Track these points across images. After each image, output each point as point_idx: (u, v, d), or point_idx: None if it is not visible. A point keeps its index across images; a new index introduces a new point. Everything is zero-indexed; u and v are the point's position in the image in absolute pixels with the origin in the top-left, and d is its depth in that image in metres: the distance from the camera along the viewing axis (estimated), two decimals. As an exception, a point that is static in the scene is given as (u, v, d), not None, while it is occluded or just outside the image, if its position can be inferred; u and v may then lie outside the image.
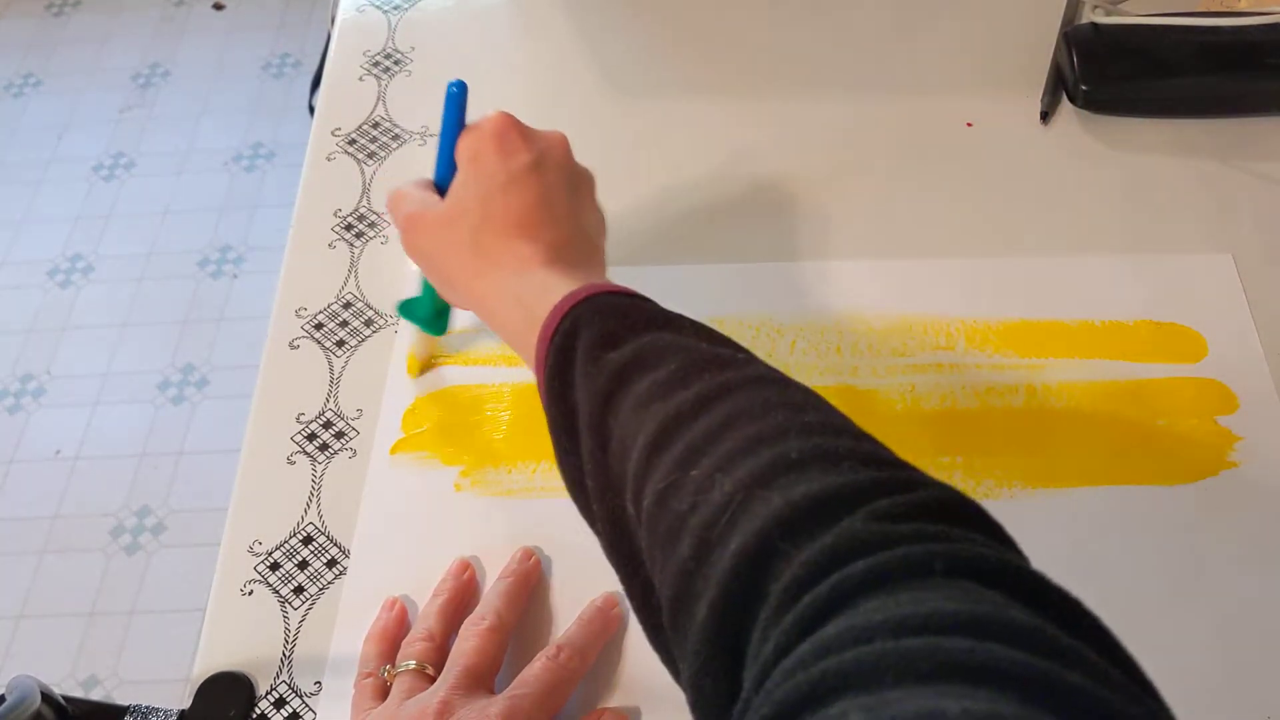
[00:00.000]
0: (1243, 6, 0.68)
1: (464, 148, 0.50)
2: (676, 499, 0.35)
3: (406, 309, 0.57)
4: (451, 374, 0.59)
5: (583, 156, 0.52)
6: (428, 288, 0.56)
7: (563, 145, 0.51)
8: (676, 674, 0.36)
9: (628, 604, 0.50)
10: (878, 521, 0.30)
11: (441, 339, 0.59)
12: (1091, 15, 0.68)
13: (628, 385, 0.39)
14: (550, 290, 0.44)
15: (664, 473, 0.36)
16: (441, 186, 0.52)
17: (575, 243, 0.49)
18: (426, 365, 0.59)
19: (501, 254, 0.48)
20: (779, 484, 0.32)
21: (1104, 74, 0.66)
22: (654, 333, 0.41)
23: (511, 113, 0.50)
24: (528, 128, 0.50)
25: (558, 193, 0.49)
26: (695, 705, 0.31)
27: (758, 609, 0.30)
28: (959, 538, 0.30)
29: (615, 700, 0.48)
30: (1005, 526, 0.33)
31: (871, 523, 0.30)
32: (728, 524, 0.32)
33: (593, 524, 0.41)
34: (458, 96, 0.51)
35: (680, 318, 0.43)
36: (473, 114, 0.51)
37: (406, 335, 0.59)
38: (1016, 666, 0.24)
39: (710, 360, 0.39)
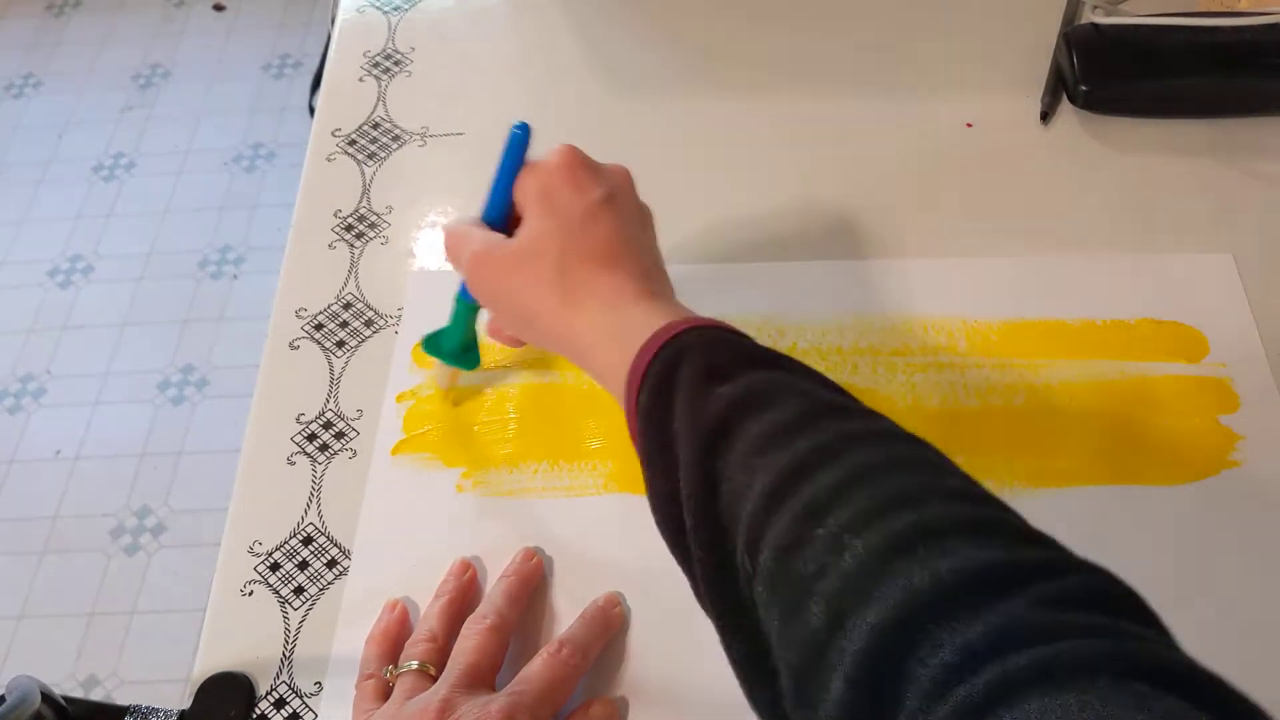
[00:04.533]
0: (1243, 6, 0.68)
1: (529, 185, 0.48)
2: (800, 559, 0.33)
3: (433, 344, 0.55)
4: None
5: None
6: (458, 320, 0.54)
7: (627, 178, 0.50)
8: None
9: (629, 602, 0.50)
10: (1043, 608, 0.28)
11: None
12: (1091, 15, 0.68)
13: (740, 424, 0.37)
14: (647, 322, 0.43)
15: (785, 528, 0.34)
16: (492, 225, 0.50)
17: (656, 274, 0.48)
18: (455, 396, 0.57)
19: (590, 288, 0.46)
20: (920, 554, 0.30)
21: (1104, 74, 0.66)
22: (764, 370, 0.40)
23: (575, 147, 0.49)
24: (593, 161, 0.49)
25: (632, 225, 0.48)
26: None
27: (902, 690, 0.28)
28: (1130, 633, 0.28)
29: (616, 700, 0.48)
30: None
31: (1036, 609, 0.28)
32: (861, 594, 0.30)
33: (686, 564, 0.39)
34: (521, 139, 0.49)
35: (786, 357, 0.41)
36: (531, 142, 0.50)
37: (433, 369, 0.57)
38: None
39: (830, 407, 0.38)
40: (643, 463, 0.41)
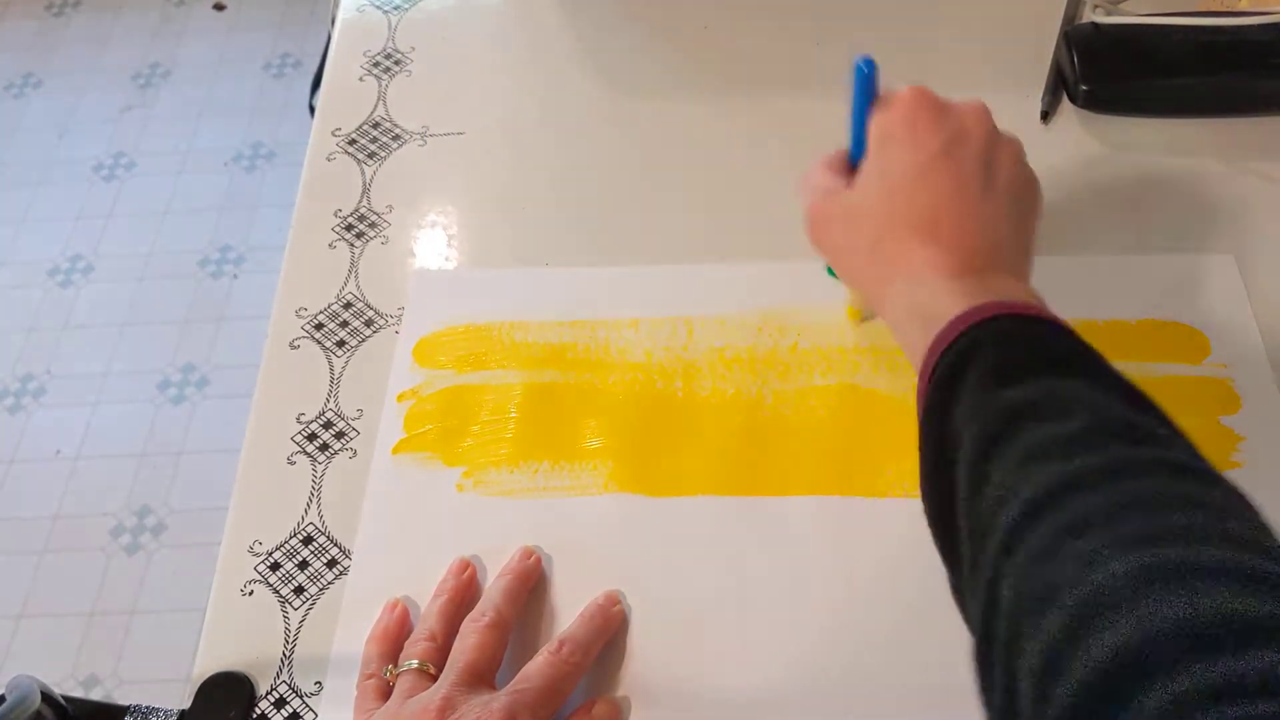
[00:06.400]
0: (1243, 6, 0.68)
1: (877, 126, 0.47)
2: (1053, 566, 0.32)
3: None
4: (454, 375, 0.58)
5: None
6: None
7: (979, 119, 0.46)
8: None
9: (629, 601, 0.50)
10: None
11: None
12: (1092, 15, 0.68)
13: (1019, 431, 0.36)
14: (948, 303, 0.41)
15: (1043, 536, 0.33)
16: (855, 163, 0.49)
17: (984, 242, 0.44)
18: (867, 315, 0.58)
19: (900, 260, 0.44)
20: (1183, 587, 0.29)
21: (1104, 74, 0.66)
22: (1059, 376, 0.38)
23: (925, 87, 0.46)
24: (943, 103, 0.46)
25: (971, 180, 0.45)
26: None
27: (1123, 716, 0.27)
28: None
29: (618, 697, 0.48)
30: None
31: None
32: (1110, 609, 0.29)
33: (950, 561, 0.38)
34: (867, 76, 0.47)
35: (1094, 358, 0.39)
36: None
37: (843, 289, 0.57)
38: None
39: (1123, 428, 0.36)
40: (920, 451, 0.40)
